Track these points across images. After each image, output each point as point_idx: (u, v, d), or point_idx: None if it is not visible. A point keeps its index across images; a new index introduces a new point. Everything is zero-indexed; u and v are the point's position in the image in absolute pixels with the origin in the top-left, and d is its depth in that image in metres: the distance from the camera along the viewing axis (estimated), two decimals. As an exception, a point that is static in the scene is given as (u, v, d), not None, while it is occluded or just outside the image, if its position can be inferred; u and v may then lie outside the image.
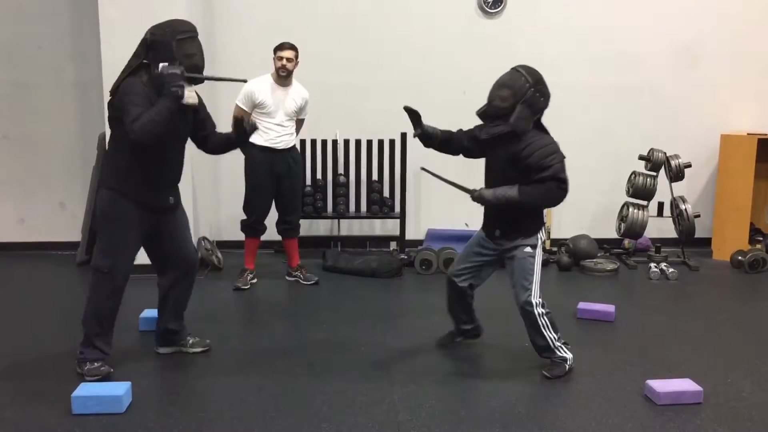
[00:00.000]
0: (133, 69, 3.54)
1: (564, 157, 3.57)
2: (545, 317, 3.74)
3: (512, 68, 3.73)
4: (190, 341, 4.05)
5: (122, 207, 3.55)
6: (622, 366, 3.91)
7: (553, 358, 3.77)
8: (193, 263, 3.97)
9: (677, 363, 3.95)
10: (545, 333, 3.73)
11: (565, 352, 3.78)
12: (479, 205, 3.75)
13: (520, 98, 3.58)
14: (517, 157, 3.55)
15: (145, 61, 3.56)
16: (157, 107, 3.39)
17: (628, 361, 3.97)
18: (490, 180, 3.80)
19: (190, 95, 3.56)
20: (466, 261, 3.99)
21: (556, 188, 3.52)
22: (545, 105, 3.67)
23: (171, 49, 3.48)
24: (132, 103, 3.39)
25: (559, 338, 3.78)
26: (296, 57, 5.17)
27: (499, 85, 3.68)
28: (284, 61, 5.11)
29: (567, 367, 3.76)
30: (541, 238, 3.79)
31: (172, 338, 4.02)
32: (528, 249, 3.72)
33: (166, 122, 3.41)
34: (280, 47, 5.12)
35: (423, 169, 4.17)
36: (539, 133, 3.64)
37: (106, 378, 3.59)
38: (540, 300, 3.73)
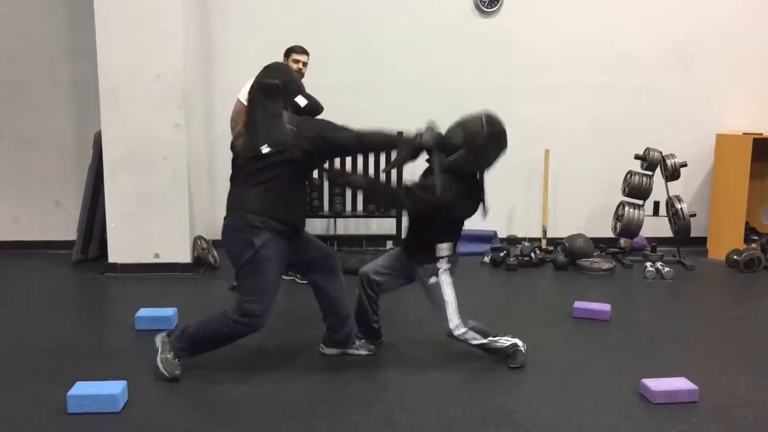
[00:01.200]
0: None
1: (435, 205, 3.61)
2: (471, 332, 3.81)
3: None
4: (356, 344, 4.04)
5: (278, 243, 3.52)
6: (618, 365, 3.91)
7: (504, 351, 3.86)
8: (329, 252, 4.04)
9: (672, 362, 3.96)
10: (481, 343, 3.84)
11: (507, 340, 3.87)
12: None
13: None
14: None
15: None
16: None
17: (624, 360, 3.98)
18: None
19: None
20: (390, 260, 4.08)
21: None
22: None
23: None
24: None
25: (492, 335, 3.86)
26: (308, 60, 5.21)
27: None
28: (300, 65, 5.14)
29: (521, 349, 3.87)
30: (447, 261, 3.80)
31: (343, 341, 3.99)
32: (432, 279, 3.78)
33: None
34: (297, 51, 5.14)
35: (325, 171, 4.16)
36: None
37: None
38: (458, 321, 3.79)
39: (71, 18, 6.09)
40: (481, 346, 3.85)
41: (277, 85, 3.58)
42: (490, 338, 3.85)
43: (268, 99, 3.56)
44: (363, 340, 4.06)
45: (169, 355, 3.62)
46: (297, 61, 5.12)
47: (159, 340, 3.68)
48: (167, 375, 3.58)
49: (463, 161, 3.67)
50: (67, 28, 6.12)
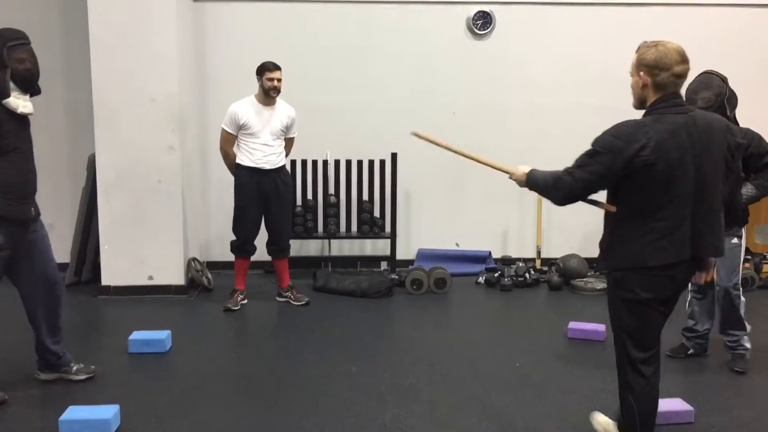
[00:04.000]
0: None
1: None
2: (742, 297, 4.08)
3: (704, 71, 3.95)
4: (74, 368, 3.91)
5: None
6: (614, 385, 3.88)
7: (740, 339, 4.12)
8: (53, 280, 3.83)
9: (668, 382, 3.92)
10: (739, 312, 4.08)
11: (747, 334, 4.15)
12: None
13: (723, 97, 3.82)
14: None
15: None
16: None
17: (619, 381, 3.96)
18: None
19: (26, 105, 3.53)
20: None
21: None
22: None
23: (1, 55, 3.42)
24: None
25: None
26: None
27: (694, 89, 3.89)
28: (275, 82, 5.14)
29: (746, 354, 4.13)
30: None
31: (54, 363, 3.88)
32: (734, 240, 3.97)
33: None
34: (270, 68, 5.13)
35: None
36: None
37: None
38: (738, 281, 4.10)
39: (66, 41, 6.12)
40: (737, 313, 4.05)
41: None
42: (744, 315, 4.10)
43: None
44: (82, 365, 3.94)
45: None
46: (271, 79, 5.13)
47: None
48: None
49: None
50: (62, 52, 6.13)
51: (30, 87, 3.56)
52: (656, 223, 2.62)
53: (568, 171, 2.73)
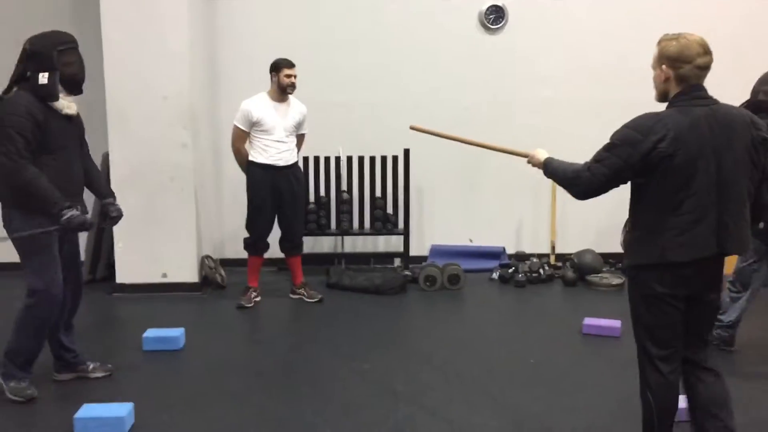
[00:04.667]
0: (14, 80, 3.54)
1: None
2: None
3: None
4: (90, 366, 3.94)
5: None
6: (629, 382, 3.84)
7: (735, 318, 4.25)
8: (81, 278, 3.93)
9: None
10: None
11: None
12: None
13: None
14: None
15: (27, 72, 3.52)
16: (43, 190, 3.40)
17: (635, 377, 3.90)
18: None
19: (70, 105, 3.60)
20: None
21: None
22: None
23: (52, 59, 3.47)
24: (13, 140, 3.37)
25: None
26: None
27: (764, 80, 3.90)
28: (292, 79, 5.14)
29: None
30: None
31: (71, 362, 3.90)
32: None
33: (37, 193, 3.41)
34: (286, 65, 5.13)
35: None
36: None
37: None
38: None
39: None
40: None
41: (26, 50, 3.50)
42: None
43: (18, 60, 3.53)
44: (98, 363, 3.95)
45: (11, 384, 3.60)
46: (289, 76, 5.13)
47: None
48: (21, 400, 3.56)
49: None
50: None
51: (77, 90, 3.65)
52: (677, 218, 2.55)
53: (586, 166, 2.69)
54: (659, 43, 2.70)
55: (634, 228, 2.72)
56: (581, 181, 2.70)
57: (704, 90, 2.65)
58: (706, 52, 2.62)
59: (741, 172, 2.60)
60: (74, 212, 3.47)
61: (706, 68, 2.63)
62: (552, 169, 2.90)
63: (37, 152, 3.46)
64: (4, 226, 3.56)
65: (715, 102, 2.66)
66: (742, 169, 2.60)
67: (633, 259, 2.73)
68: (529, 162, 3.12)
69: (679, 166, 2.51)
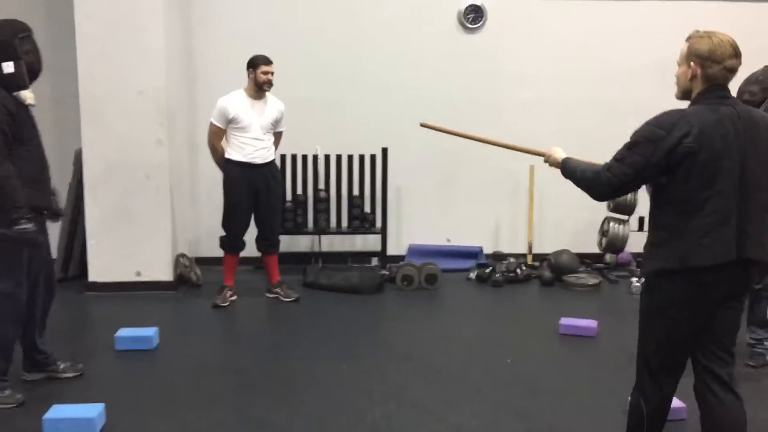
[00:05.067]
0: None
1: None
2: None
3: (765, 65, 3.95)
4: (61, 366, 3.85)
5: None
6: (606, 382, 3.88)
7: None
8: (53, 276, 3.87)
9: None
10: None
11: None
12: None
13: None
14: None
15: None
16: (12, 192, 3.29)
17: (612, 377, 3.94)
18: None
19: (31, 95, 3.53)
20: None
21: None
22: None
23: (15, 47, 3.41)
24: None
25: None
26: None
27: (750, 81, 3.89)
28: (269, 76, 5.08)
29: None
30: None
31: (41, 362, 3.81)
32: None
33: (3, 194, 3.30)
34: (263, 62, 5.07)
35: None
36: None
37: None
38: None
39: (52, 35, 6.00)
40: (763, 312, 4.06)
41: None
42: None
43: None
44: (69, 363, 3.88)
45: None
46: (266, 73, 5.08)
47: None
48: (14, 405, 3.48)
49: None
50: (47, 45, 5.94)
51: (34, 78, 3.56)
52: (700, 219, 2.42)
53: (606, 166, 2.57)
54: (689, 39, 2.59)
55: (655, 232, 2.57)
56: (601, 183, 2.58)
57: (728, 91, 2.56)
58: (737, 54, 2.52)
59: (763, 175, 2.50)
60: (30, 225, 3.35)
61: (733, 71, 2.52)
62: (570, 170, 2.78)
63: (14, 144, 3.38)
64: None
65: (738, 103, 2.57)
66: (766, 171, 2.50)
67: (652, 265, 2.56)
68: (545, 161, 3.02)
69: (704, 163, 2.40)
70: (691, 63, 2.54)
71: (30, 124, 3.54)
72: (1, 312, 3.44)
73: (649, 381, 2.64)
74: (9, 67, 3.37)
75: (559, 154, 2.92)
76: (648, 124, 2.55)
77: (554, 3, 6.43)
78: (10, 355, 3.55)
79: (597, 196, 2.68)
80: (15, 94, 3.43)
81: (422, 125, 3.79)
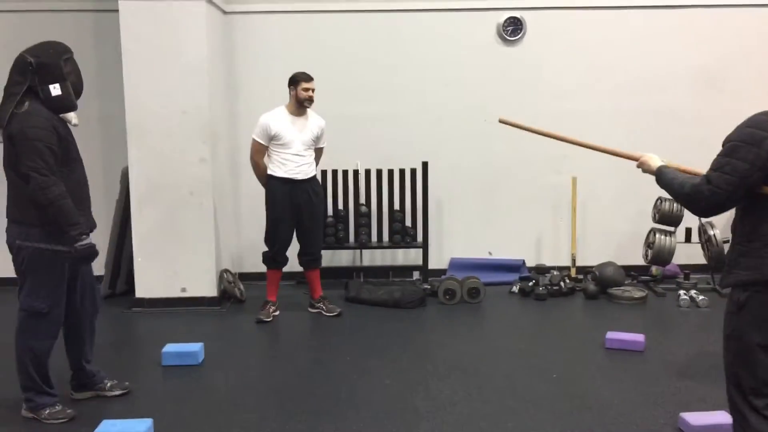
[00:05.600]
0: (20, 97, 3.42)
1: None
2: None
3: None
4: (108, 384, 3.89)
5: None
6: (655, 398, 3.79)
7: None
8: (98, 294, 3.88)
9: (711, 394, 3.83)
10: None
11: None
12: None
13: None
14: None
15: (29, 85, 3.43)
16: (67, 211, 3.35)
17: (661, 393, 3.86)
18: None
19: (74, 117, 3.61)
20: None
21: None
22: None
23: (61, 68, 3.45)
24: (42, 154, 3.32)
25: None
26: None
27: None
28: (310, 92, 5.14)
29: None
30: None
31: (89, 381, 3.85)
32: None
33: (60, 214, 3.36)
34: (305, 79, 5.13)
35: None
36: None
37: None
38: None
39: (99, 55, 6.17)
40: None
41: (30, 63, 3.40)
42: None
43: (17, 74, 3.42)
44: (116, 381, 3.89)
45: (46, 412, 3.54)
46: (307, 89, 5.13)
47: (25, 414, 3.60)
48: (65, 420, 3.52)
49: None
50: (94, 65, 6.19)
51: (77, 99, 3.62)
52: None
53: (705, 178, 2.35)
54: None
55: (745, 242, 2.39)
56: (702, 197, 2.35)
57: None
58: None
59: None
60: (90, 241, 3.42)
61: None
62: (666, 181, 2.58)
63: (59, 165, 3.43)
64: (15, 239, 3.46)
65: None
66: None
67: (740, 277, 2.38)
68: (639, 167, 2.86)
69: None
70: None
71: (74, 146, 3.60)
72: (36, 329, 3.48)
73: (747, 409, 2.41)
74: (56, 89, 3.42)
75: (654, 162, 2.74)
76: (742, 127, 2.36)
77: (592, 13, 6.37)
78: (44, 370, 3.58)
79: (699, 211, 2.47)
80: (62, 115, 3.50)
81: (501, 121, 3.73)
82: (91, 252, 3.44)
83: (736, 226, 2.45)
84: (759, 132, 2.29)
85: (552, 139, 6.41)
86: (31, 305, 3.45)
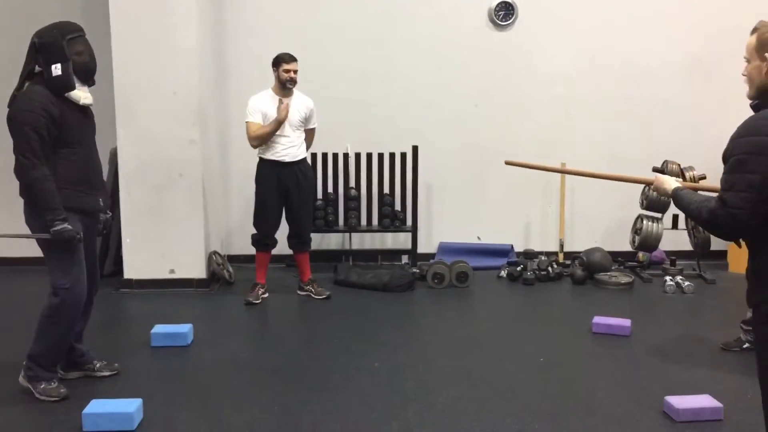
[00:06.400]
0: (24, 76, 3.48)
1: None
2: None
3: None
4: (97, 365, 3.91)
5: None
6: (640, 381, 3.84)
7: None
8: (97, 276, 3.90)
9: (696, 378, 3.89)
10: None
11: None
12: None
13: None
14: None
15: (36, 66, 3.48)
16: (45, 195, 3.36)
17: (646, 377, 3.91)
18: None
19: (86, 96, 3.58)
20: None
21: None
22: None
23: (62, 48, 3.44)
24: (28, 138, 3.33)
25: None
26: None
27: None
28: (291, 74, 5.12)
29: None
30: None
31: (78, 361, 3.88)
32: None
33: (38, 196, 3.38)
34: (286, 60, 5.11)
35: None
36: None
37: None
38: None
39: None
40: None
41: (34, 44, 3.44)
42: None
43: (28, 55, 3.48)
44: (105, 362, 3.92)
45: (42, 386, 3.57)
46: (288, 71, 5.11)
47: (22, 382, 3.64)
48: (56, 398, 3.55)
49: None
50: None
51: (89, 78, 3.62)
52: None
53: (719, 202, 2.15)
54: (756, 30, 2.27)
55: (763, 255, 2.20)
56: (722, 221, 2.15)
57: None
58: None
59: None
60: (66, 225, 3.41)
61: None
62: (683, 205, 2.41)
63: (57, 146, 3.44)
64: (27, 220, 3.54)
65: None
66: None
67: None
68: (653, 190, 2.70)
69: None
70: (766, 54, 2.22)
71: (80, 126, 3.57)
72: (61, 309, 3.52)
73: None
74: (57, 69, 3.41)
75: (669, 184, 2.57)
76: (742, 136, 2.15)
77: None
78: (65, 349, 3.68)
79: (725, 237, 2.28)
80: (67, 95, 3.49)
81: (507, 163, 3.78)
82: (67, 236, 3.42)
83: (754, 239, 2.26)
84: (761, 138, 2.11)
85: (543, 125, 6.50)
86: (55, 283, 3.52)
